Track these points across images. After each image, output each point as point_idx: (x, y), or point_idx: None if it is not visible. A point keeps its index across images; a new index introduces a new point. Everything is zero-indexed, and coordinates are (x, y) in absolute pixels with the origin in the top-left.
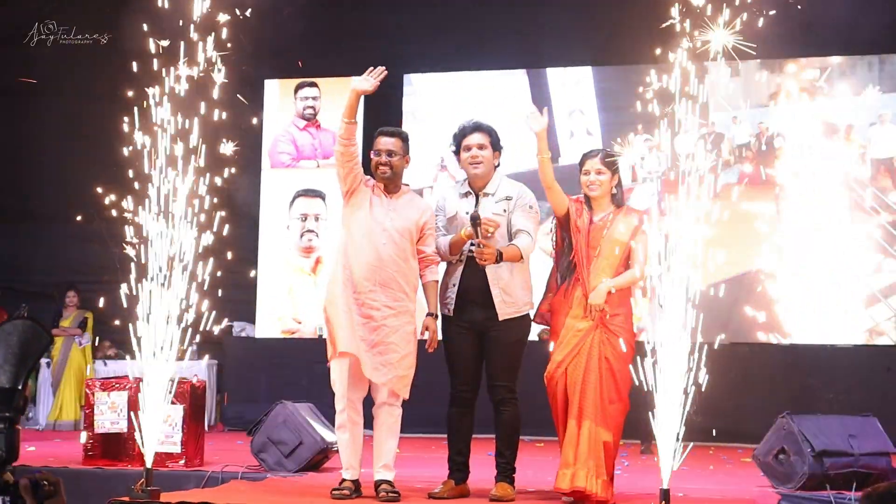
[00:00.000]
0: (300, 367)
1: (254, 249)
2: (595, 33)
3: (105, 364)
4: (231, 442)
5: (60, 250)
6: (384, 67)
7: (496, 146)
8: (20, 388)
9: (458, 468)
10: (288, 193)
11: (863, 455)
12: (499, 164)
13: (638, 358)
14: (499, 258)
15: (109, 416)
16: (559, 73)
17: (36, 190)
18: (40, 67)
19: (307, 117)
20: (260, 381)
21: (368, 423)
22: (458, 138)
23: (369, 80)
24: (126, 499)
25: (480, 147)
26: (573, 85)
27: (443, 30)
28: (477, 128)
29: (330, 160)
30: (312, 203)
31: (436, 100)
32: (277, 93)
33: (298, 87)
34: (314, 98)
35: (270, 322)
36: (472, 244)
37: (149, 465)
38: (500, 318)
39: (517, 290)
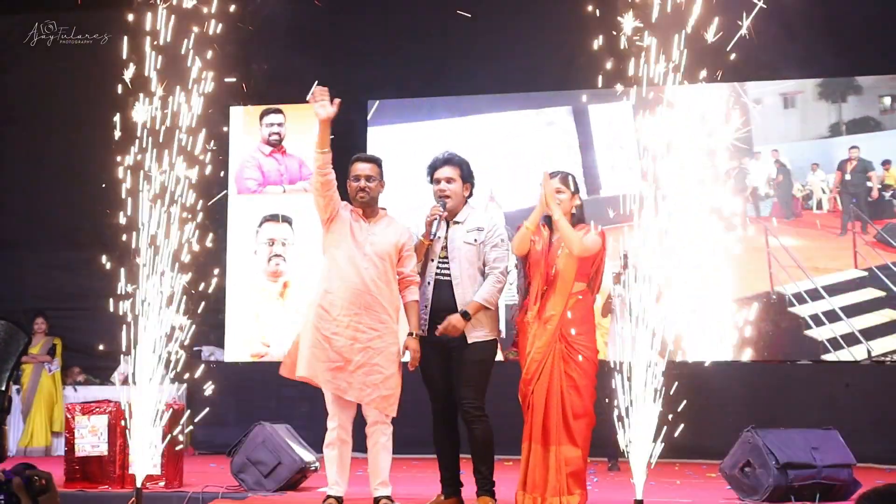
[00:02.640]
0: (269, 391)
1: (221, 274)
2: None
3: (75, 390)
4: (204, 465)
5: (27, 277)
6: (322, 86)
7: (466, 178)
8: (3, 389)
9: (447, 483)
10: (255, 219)
11: (825, 467)
12: (470, 195)
13: (617, 375)
14: (466, 318)
15: (90, 439)
16: (600, 107)
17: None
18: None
19: (273, 143)
20: (229, 405)
21: (359, 445)
22: (430, 170)
23: (323, 105)
24: None
25: (448, 181)
26: (613, 119)
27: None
28: (447, 161)
29: (296, 185)
30: (279, 228)
31: (485, 137)
32: (242, 119)
33: (264, 114)
34: (279, 124)
35: (239, 346)
36: (438, 267)
37: (139, 484)
38: (469, 342)
39: (484, 317)
